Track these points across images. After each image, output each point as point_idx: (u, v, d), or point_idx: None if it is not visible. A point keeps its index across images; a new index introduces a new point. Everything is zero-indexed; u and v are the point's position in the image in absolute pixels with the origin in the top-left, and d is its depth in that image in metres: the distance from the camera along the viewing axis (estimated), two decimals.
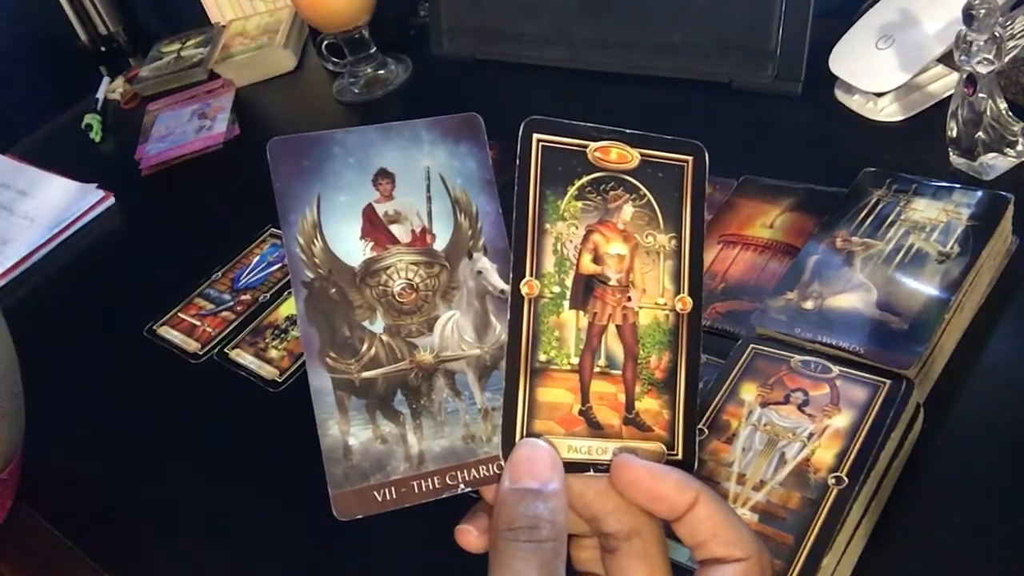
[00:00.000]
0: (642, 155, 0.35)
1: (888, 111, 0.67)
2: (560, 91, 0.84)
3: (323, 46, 0.94)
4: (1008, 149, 0.58)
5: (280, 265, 0.74)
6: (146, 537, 0.57)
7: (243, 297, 0.72)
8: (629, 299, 0.34)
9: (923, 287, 0.48)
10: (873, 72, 0.66)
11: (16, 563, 0.59)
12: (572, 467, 0.32)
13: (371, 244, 0.35)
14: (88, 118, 1.06)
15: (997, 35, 0.53)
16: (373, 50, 0.94)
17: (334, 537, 0.52)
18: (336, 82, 0.97)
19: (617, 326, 0.33)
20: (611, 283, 0.34)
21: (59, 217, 0.89)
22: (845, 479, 0.41)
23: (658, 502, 0.31)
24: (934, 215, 0.51)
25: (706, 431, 0.46)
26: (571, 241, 0.34)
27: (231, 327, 0.69)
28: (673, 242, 0.34)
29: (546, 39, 0.86)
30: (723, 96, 0.75)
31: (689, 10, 0.76)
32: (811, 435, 0.44)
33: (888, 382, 0.45)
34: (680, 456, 0.33)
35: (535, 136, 0.34)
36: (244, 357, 0.66)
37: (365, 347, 0.34)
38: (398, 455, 0.33)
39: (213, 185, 0.90)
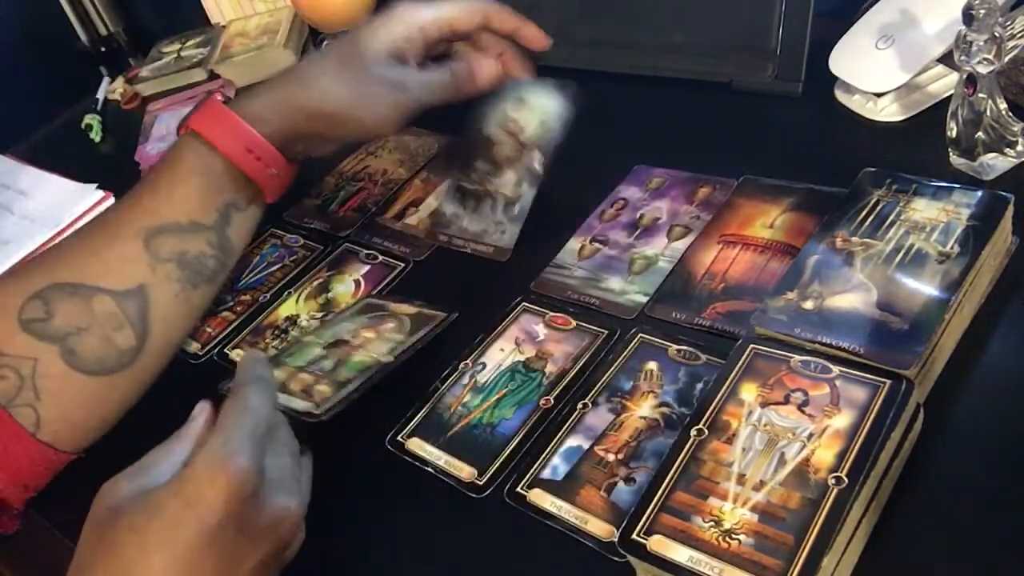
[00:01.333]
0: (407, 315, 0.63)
1: (888, 111, 0.67)
2: None
3: (323, 46, 0.94)
4: (1008, 149, 0.58)
5: (280, 265, 0.74)
6: None
7: (243, 297, 0.72)
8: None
9: (923, 287, 0.48)
10: (873, 72, 0.66)
11: (17, 563, 0.59)
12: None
13: (502, 132, 0.68)
14: (88, 118, 1.06)
15: (997, 35, 0.53)
16: None
17: (333, 539, 0.52)
18: None
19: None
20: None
21: (59, 217, 0.89)
22: (845, 479, 0.41)
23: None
24: (934, 215, 0.51)
25: (706, 431, 0.46)
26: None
27: (231, 327, 0.69)
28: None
29: None
30: (723, 96, 0.75)
31: (689, 10, 0.76)
32: (811, 435, 0.44)
33: (888, 382, 0.45)
34: None
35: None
36: None
37: (475, 174, 0.69)
38: (456, 222, 0.70)
39: None
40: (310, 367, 0.58)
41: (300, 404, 0.55)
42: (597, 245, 0.65)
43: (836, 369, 0.46)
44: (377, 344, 0.59)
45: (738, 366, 0.48)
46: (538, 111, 0.68)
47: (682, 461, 0.45)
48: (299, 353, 0.60)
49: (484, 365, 0.58)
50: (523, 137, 0.68)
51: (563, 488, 0.50)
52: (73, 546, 0.42)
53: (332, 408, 0.53)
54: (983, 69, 0.54)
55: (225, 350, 0.67)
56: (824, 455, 0.43)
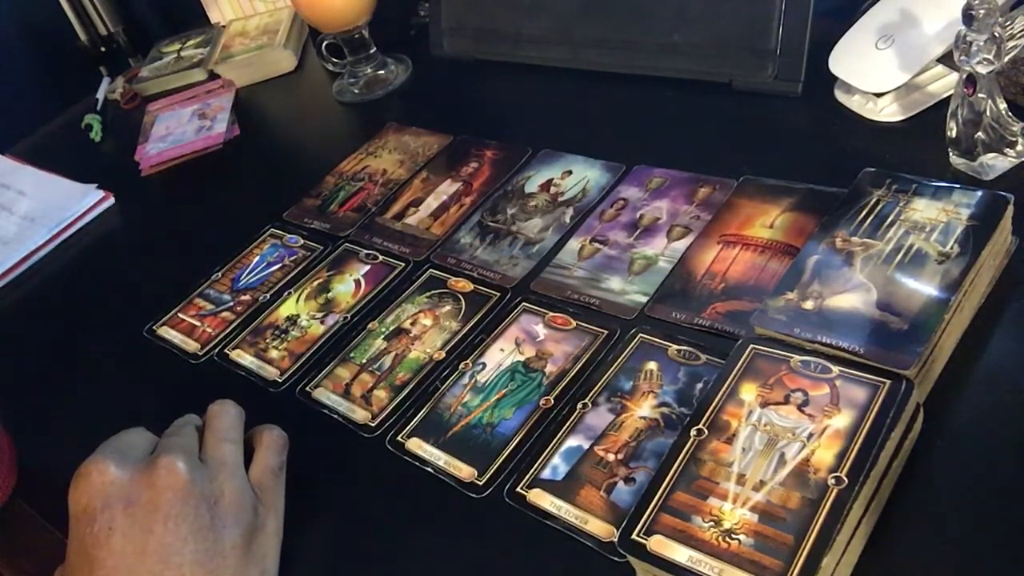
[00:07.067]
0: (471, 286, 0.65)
1: (888, 111, 0.67)
2: (560, 91, 0.84)
3: (323, 46, 0.94)
4: (1008, 149, 0.58)
5: (280, 265, 0.74)
6: None
7: (243, 297, 0.72)
8: (413, 343, 0.62)
9: (923, 287, 0.48)
10: (873, 72, 0.66)
11: (15, 563, 0.59)
12: None
13: (542, 192, 0.72)
14: (88, 118, 1.06)
15: (997, 35, 0.53)
16: (373, 50, 0.94)
17: (333, 539, 0.52)
18: (336, 82, 0.97)
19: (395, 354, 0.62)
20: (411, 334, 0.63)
21: (59, 217, 0.89)
22: (845, 479, 0.41)
23: None
24: (934, 215, 0.51)
25: (706, 431, 0.46)
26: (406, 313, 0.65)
27: (231, 327, 0.69)
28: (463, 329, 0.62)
29: (546, 39, 0.86)
30: (723, 96, 0.75)
31: (689, 10, 0.76)
32: (811, 435, 0.44)
33: (888, 382, 0.45)
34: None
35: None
36: (244, 357, 0.66)
37: (501, 216, 0.71)
38: (469, 251, 0.69)
39: (213, 185, 0.90)
40: (370, 365, 0.61)
41: (360, 415, 0.58)
42: (597, 245, 0.65)
43: (836, 369, 0.46)
44: (433, 335, 0.62)
45: (738, 366, 0.48)
46: (582, 181, 0.71)
47: (682, 461, 0.45)
48: (362, 346, 0.63)
49: (484, 365, 0.58)
50: (560, 198, 0.70)
51: (563, 488, 0.50)
52: (59, 534, 0.42)
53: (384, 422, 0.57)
54: (983, 69, 0.54)
55: (225, 350, 0.67)
56: (824, 455, 0.43)
